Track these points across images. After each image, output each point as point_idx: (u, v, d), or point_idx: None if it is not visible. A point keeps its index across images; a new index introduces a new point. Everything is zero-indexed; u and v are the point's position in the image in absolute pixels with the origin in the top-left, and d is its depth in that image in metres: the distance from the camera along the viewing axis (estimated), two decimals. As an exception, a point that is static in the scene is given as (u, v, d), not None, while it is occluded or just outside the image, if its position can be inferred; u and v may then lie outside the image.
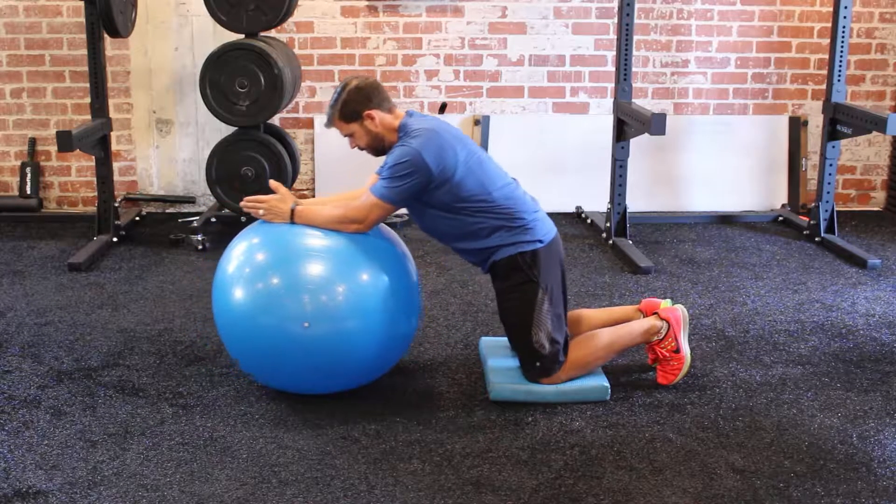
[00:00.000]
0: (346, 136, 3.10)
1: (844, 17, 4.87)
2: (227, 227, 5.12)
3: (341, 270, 2.93)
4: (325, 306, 2.89)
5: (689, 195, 5.70)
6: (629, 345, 3.22)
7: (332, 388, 3.07)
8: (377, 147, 3.10)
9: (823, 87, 5.48)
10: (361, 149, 3.13)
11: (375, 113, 3.03)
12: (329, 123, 3.10)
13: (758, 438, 2.86)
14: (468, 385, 3.23)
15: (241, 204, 3.11)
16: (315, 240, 2.97)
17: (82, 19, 5.04)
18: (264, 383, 3.14)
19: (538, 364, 3.06)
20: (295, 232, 2.99)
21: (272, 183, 3.13)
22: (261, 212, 3.05)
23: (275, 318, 2.88)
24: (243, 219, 5.00)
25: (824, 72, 5.57)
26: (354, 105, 3.02)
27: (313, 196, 5.55)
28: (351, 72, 5.53)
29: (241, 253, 3.01)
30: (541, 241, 3.06)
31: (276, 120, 5.50)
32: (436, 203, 3.01)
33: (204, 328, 3.74)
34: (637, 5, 5.07)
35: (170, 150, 5.64)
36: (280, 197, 3.04)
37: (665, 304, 3.29)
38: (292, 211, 3.00)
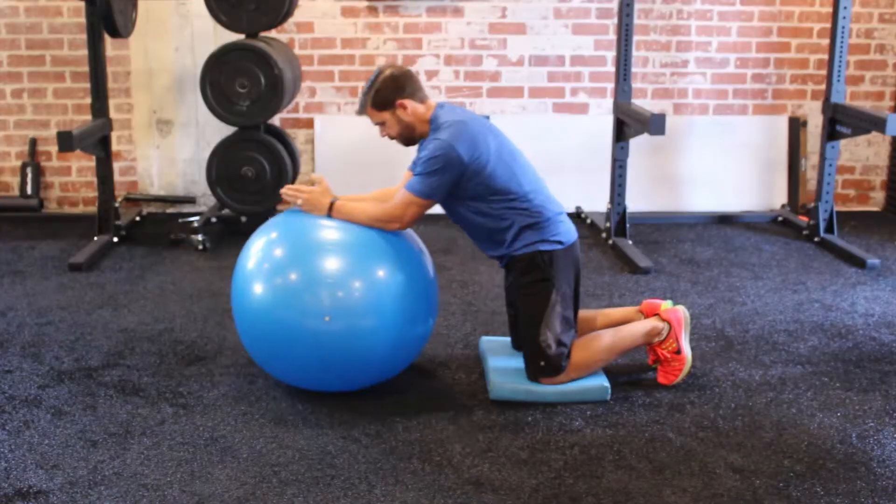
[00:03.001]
0: (377, 124, 3.09)
1: (844, 18, 4.87)
2: (227, 227, 5.13)
3: (360, 266, 2.92)
4: (344, 302, 2.88)
5: (688, 195, 5.71)
6: (630, 346, 3.22)
7: (349, 385, 3.07)
8: (408, 137, 3.10)
9: (823, 87, 5.49)
10: (392, 138, 3.12)
11: (408, 102, 3.02)
12: (361, 111, 3.09)
13: (757, 438, 2.86)
14: (468, 385, 3.23)
15: (282, 191, 3.10)
16: (334, 235, 2.97)
17: (83, 20, 5.04)
18: (280, 379, 3.14)
19: (542, 364, 3.07)
20: (313, 227, 2.99)
21: (314, 176, 3.14)
22: (299, 201, 3.05)
23: (293, 313, 2.88)
24: (243, 219, 5.01)
25: (824, 72, 5.57)
26: (387, 93, 3.02)
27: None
28: (351, 72, 5.54)
29: (260, 248, 3.00)
30: (561, 243, 3.08)
31: (276, 120, 5.50)
32: (468, 195, 3.01)
33: (204, 328, 3.74)
34: (637, 6, 5.07)
35: (170, 151, 5.64)
36: (321, 190, 3.05)
37: (666, 305, 3.29)
38: (331, 205, 3.00)
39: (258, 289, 2.93)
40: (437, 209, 3.19)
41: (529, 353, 3.09)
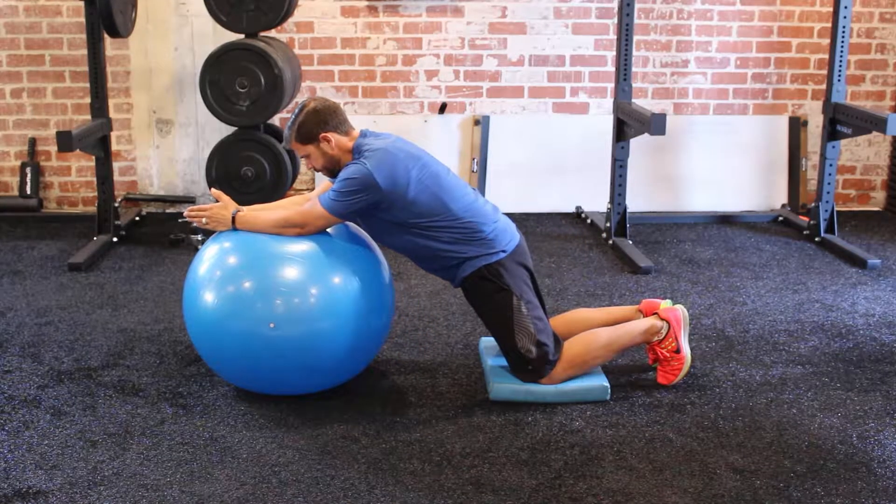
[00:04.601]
0: (302, 157, 3.13)
1: (844, 17, 4.87)
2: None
3: (308, 273, 2.94)
4: (293, 308, 2.90)
5: (689, 195, 5.71)
6: (629, 344, 3.22)
7: (307, 388, 3.08)
8: (332, 169, 3.12)
9: (823, 87, 5.49)
10: (317, 170, 3.15)
11: (331, 135, 3.05)
12: (286, 144, 3.14)
13: (758, 438, 2.86)
14: (468, 385, 3.23)
15: (185, 214, 3.15)
16: (283, 244, 2.98)
17: (82, 19, 5.04)
18: (240, 386, 3.15)
19: (529, 368, 3.07)
20: (264, 236, 3.01)
21: (213, 191, 3.18)
22: (204, 220, 3.09)
23: (244, 322, 2.90)
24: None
25: (824, 72, 5.57)
26: (311, 127, 3.05)
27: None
28: (351, 72, 5.54)
29: (210, 257, 3.03)
30: (504, 251, 3.08)
31: (276, 120, 5.50)
32: (394, 221, 3.04)
33: (204, 328, 3.74)
34: (637, 5, 5.07)
35: (170, 150, 5.64)
36: (222, 204, 3.09)
37: (665, 304, 3.29)
38: (233, 217, 3.03)
39: (209, 297, 2.94)
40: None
41: (514, 362, 3.10)
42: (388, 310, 3.15)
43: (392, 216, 3.03)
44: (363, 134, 3.10)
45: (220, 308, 2.93)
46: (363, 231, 3.20)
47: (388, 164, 2.97)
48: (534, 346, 3.04)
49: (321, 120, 3.05)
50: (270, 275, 2.93)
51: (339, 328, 2.94)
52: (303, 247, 2.97)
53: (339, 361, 3.01)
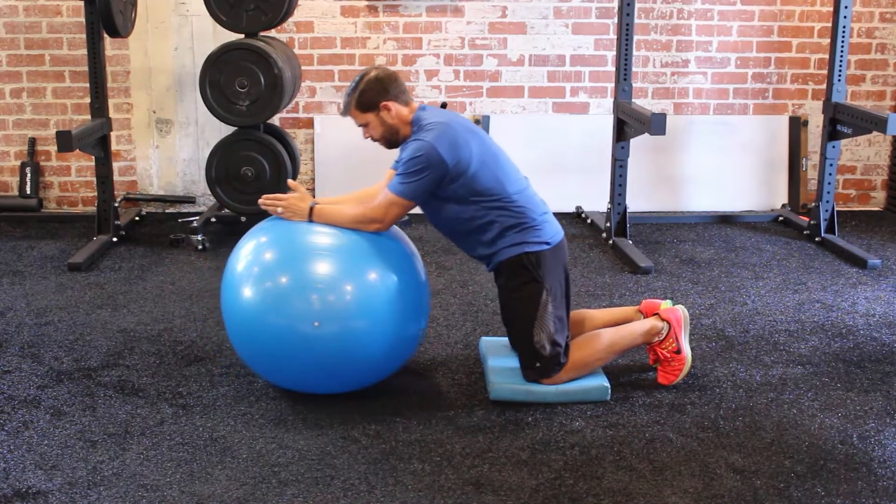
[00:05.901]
0: (360, 125, 3.09)
1: (845, 17, 4.87)
2: (226, 227, 5.12)
3: (350, 270, 2.92)
4: (334, 306, 2.88)
5: (689, 195, 5.71)
6: (630, 346, 3.21)
7: (340, 388, 3.07)
8: (391, 139, 3.09)
9: (823, 86, 5.48)
10: (375, 140, 3.11)
11: (392, 104, 3.02)
12: (345, 111, 3.09)
13: (758, 438, 2.86)
14: (468, 385, 3.23)
15: (260, 201, 3.10)
16: (324, 238, 2.96)
17: (82, 19, 5.04)
18: (274, 382, 3.14)
19: (538, 365, 3.06)
20: (303, 230, 2.99)
21: (290, 182, 3.12)
22: (279, 210, 3.04)
23: (284, 318, 2.88)
24: (243, 219, 5.01)
25: (824, 71, 5.57)
26: (372, 95, 3.01)
27: (314, 196, 5.54)
28: (351, 72, 5.53)
29: (249, 252, 3.00)
30: (547, 244, 3.06)
31: (276, 120, 5.50)
32: (451, 197, 3.00)
33: (204, 328, 3.73)
34: (637, 5, 5.06)
35: (170, 150, 5.64)
36: (299, 196, 3.04)
37: (665, 304, 3.29)
38: (311, 209, 3.00)
39: (248, 293, 2.92)
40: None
41: (524, 355, 3.09)
42: (425, 312, 3.13)
43: (451, 192, 2.99)
44: (422, 107, 3.08)
45: (261, 303, 2.90)
46: (401, 231, 3.17)
47: (449, 138, 2.94)
48: (549, 343, 3.03)
49: (383, 88, 3.02)
50: (310, 271, 2.91)
51: (375, 329, 2.92)
52: (342, 243, 2.94)
53: (374, 362, 2.99)
